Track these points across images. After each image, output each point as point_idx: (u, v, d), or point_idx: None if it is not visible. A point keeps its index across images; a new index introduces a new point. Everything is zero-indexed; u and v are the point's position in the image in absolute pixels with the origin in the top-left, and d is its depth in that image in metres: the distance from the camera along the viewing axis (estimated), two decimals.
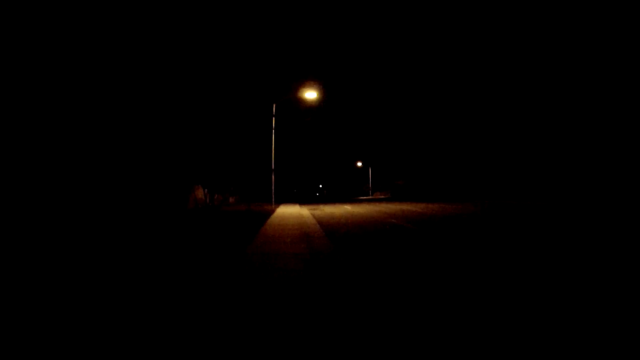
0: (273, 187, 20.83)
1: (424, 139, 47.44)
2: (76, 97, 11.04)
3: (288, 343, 2.22)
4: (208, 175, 20.06)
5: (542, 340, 2.32)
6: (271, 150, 20.33)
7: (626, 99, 23.84)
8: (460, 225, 9.38)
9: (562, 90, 28.06)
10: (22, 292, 3.49)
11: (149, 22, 14.52)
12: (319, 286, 3.44)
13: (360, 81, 65.41)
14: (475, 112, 38.31)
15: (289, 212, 15.90)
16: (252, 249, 5.71)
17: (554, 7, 29.71)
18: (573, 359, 2.11)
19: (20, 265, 4.68)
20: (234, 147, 21.51)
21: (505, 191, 31.75)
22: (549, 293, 3.33)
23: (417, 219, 11.58)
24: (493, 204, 19.61)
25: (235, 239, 6.82)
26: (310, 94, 19.24)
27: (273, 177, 20.80)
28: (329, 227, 9.61)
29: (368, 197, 48.43)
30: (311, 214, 15.02)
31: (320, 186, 79.38)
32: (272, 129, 20.25)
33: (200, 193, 20.74)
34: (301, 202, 33.49)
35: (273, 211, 16.60)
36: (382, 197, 49.30)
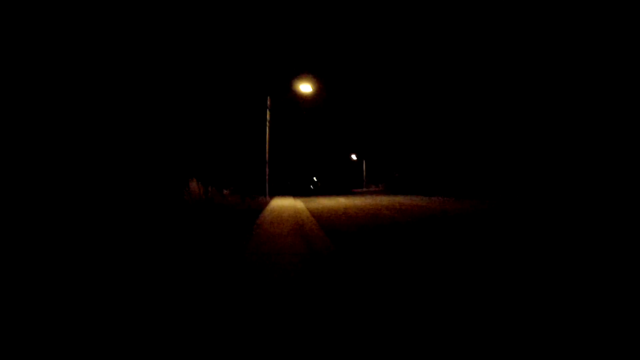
0: (267, 180, 20.72)
1: (421, 130, 47.34)
2: (61, 86, 10.74)
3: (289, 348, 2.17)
4: (202, 167, 19.84)
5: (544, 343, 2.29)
6: (265, 142, 20.19)
7: (626, 98, 23.96)
8: (461, 221, 9.41)
9: (568, 80, 27.80)
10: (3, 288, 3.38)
11: (140, 11, 14.13)
12: (317, 288, 3.39)
13: (355, 72, 64.97)
14: (473, 102, 38.10)
15: (282, 205, 15.84)
16: (241, 249, 5.65)
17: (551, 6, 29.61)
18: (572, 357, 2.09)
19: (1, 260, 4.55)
20: (228, 139, 21.27)
21: (507, 186, 31.77)
22: (549, 293, 3.32)
23: (415, 213, 11.59)
24: (493, 199, 19.75)
25: (229, 237, 6.75)
26: (306, 87, 19.07)
27: (267, 169, 20.69)
28: (325, 223, 9.55)
29: (362, 190, 48.51)
30: (306, 206, 14.97)
31: (315, 178, 79.29)
32: (266, 121, 20.06)
33: (194, 185, 20.52)
34: (295, 194, 33.41)
35: (267, 204, 16.52)
36: (377, 189, 49.39)
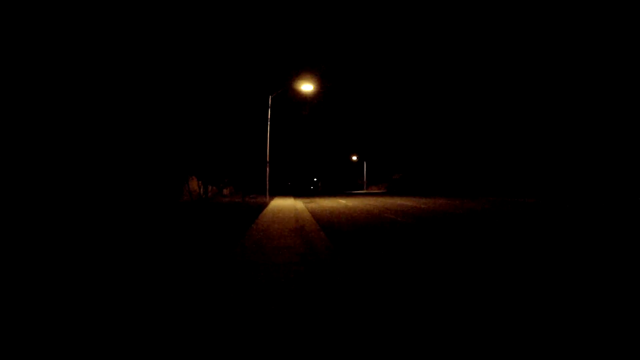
0: (267, 180, 20.66)
1: (422, 132, 47.24)
2: (64, 88, 10.72)
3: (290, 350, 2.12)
4: (202, 166, 19.80)
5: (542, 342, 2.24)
6: (266, 143, 20.13)
7: (627, 98, 23.90)
8: (461, 221, 9.35)
9: (570, 81, 27.73)
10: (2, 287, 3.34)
11: (141, 12, 14.12)
12: (316, 289, 3.35)
13: (357, 73, 64.92)
14: (474, 104, 38.00)
15: (283, 205, 15.78)
16: (241, 249, 5.60)
17: (549, 5, 29.57)
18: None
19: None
20: (229, 139, 21.22)
21: (508, 188, 31.60)
22: (548, 294, 3.26)
23: (416, 214, 11.53)
24: (494, 201, 19.67)
25: (225, 239, 6.71)
26: (307, 87, 18.98)
27: (268, 169, 20.63)
28: (326, 223, 9.50)
29: (363, 191, 48.41)
30: (306, 207, 14.92)
31: (315, 179, 79.19)
32: (267, 121, 20.02)
33: (194, 184, 20.50)
34: (295, 194, 33.37)
35: (267, 204, 16.47)
36: (378, 191, 49.30)
